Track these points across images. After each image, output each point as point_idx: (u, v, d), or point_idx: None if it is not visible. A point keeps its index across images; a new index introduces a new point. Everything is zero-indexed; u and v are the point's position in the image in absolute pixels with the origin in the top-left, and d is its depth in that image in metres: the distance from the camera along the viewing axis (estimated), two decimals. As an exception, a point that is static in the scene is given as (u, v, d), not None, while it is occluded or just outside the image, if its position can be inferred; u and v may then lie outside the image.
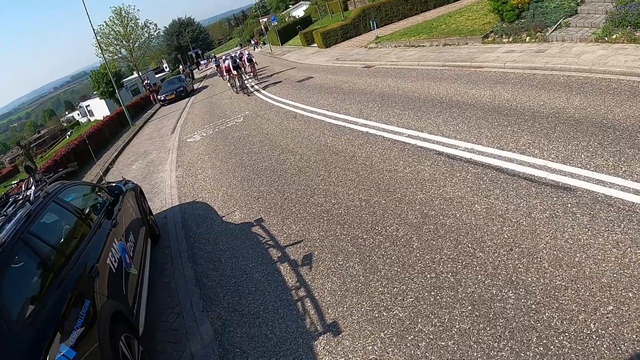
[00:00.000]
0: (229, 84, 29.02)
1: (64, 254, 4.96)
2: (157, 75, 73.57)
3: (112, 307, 4.86)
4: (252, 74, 31.11)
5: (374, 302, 5.36)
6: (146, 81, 56.89)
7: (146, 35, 62.60)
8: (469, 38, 18.83)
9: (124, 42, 58.96)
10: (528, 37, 16.18)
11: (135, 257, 6.64)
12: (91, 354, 4.00)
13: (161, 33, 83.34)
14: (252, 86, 27.44)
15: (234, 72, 26.11)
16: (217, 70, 42.96)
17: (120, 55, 60.61)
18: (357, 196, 8.13)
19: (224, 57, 31.37)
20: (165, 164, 16.43)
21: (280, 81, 24.49)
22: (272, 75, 30.29)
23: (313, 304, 5.70)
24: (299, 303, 5.82)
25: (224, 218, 9.38)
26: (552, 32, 15.58)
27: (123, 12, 59.39)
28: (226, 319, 6.05)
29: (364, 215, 7.41)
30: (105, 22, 58.78)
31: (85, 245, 5.38)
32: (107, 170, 19.83)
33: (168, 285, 7.49)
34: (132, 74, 67.34)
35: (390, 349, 4.63)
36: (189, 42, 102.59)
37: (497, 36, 17.61)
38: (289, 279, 6.42)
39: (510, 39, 16.83)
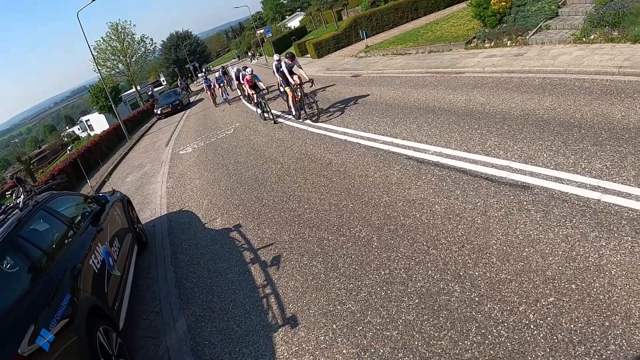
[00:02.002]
0: (257, 111, 20.14)
1: (50, 255, 5.60)
2: (156, 89, 74.29)
3: (91, 301, 5.45)
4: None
5: (331, 297, 5.83)
6: (150, 93, 57.74)
7: (142, 49, 63.38)
8: (453, 44, 19.29)
9: (121, 57, 59.75)
10: (509, 41, 16.58)
11: (119, 261, 7.23)
12: (68, 339, 4.62)
13: (158, 47, 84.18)
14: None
15: (250, 92, 18.96)
16: (206, 90, 34.64)
17: (117, 70, 61.37)
18: (328, 201, 8.61)
19: (217, 75, 31.29)
20: (158, 175, 16.94)
21: (272, 92, 24.79)
22: (265, 86, 30.65)
23: (276, 300, 6.19)
24: (264, 299, 6.32)
25: (206, 225, 9.88)
26: (532, 35, 16.01)
27: (119, 27, 60.22)
28: (199, 315, 6.57)
29: (331, 219, 7.89)
30: (102, 37, 59.75)
31: (70, 248, 6.04)
32: (104, 182, 20.35)
33: (151, 287, 8.04)
34: (131, 88, 68.04)
35: (339, 339, 5.08)
36: (187, 55, 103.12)
37: (479, 41, 18.02)
38: (257, 278, 6.93)
39: (492, 44, 17.24)
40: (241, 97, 27.87)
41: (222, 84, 31.42)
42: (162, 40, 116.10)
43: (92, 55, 40.41)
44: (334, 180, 9.48)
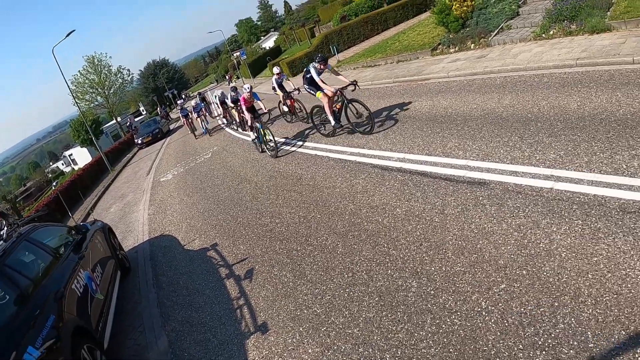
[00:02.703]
0: (252, 139, 16.32)
1: (35, 282, 6.00)
2: (136, 119, 74.41)
3: (75, 322, 5.81)
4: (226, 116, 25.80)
5: (298, 302, 6.10)
6: (128, 123, 57.82)
7: (120, 81, 63.60)
8: (419, 52, 19.59)
9: (99, 90, 59.91)
10: (473, 45, 16.89)
11: (102, 285, 7.57)
12: (54, 356, 5.01)
13: (135, 77, 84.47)
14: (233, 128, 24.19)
15: (248, 116, 14.85)
16: (183, 121, 30.98)
17: (97, 102, 61.50)
18: (298, 214, 8.86)
19: (195, 103, 29.53)
20: (140, 204, 17.12)
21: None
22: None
23: (249, 310, 6.48)
24: (238, 310, 6.61)
25: (185, 247, 10.09)
26: (494, 36, 16.37)
27: (96, 60, 60.41)
28: (179, 330, 6.86)
29: (300, 230, 8.16)
30: (79, 71, 59.91)
31: (53, 274, 6.43)
32: (88, 215, 20.50)
33: (136, 309, 8.35)
34: (112, 119, 68.13)
35: (305, 340, 5.34)
36: (165, 83, 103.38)
37: (444, 47, 18.30)
38: (232, 292, 7.21)
39: (457, 49, 17.53)
40: (227, 125, 25.51)
41: (200, 112, 28.25)
42: (140, 70, 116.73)
43: (70, 89, 40.62)
44: (304, 194, 9.73)
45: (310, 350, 5.13)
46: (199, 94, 37.70)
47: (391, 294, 5.44)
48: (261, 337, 5.76)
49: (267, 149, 14.43)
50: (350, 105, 12.00)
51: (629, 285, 4.18)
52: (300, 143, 14.02)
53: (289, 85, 17.74)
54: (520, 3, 17.95)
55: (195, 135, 28.36)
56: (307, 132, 15.00)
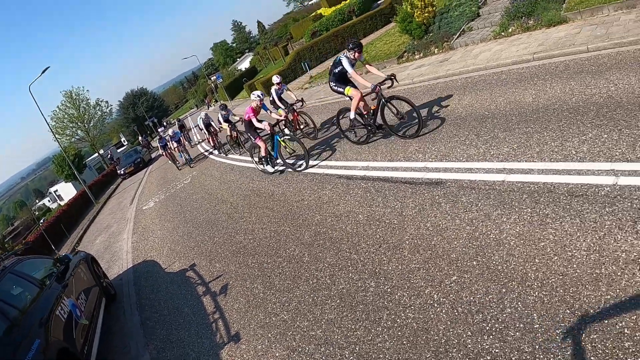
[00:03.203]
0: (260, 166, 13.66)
1: (21, 310, 6.34)
2: (118, 150, 74.29)
3: (60, 345, 6.08)
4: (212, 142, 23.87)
5: (267, 311, 6.37)
6: (109, 155, 57.76)
7: (99, 113, 63.51)
8: (386, 61, 19.83)
9: (79, 124, 59.78)
10: (436, 49, 17.13)
11: (86, 311, 7.84)
12: None
13: (115, 109, 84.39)
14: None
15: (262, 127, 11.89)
16: (162, 152, 27.48)
17: (77, 137, 61.35)
18: (270, 228, 9.11)
19: (172, 132, 26.51)
20: (124, 233, 17.26)
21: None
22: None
23: (223, 323, 6.74)
24: (214, 324, 6.89)
25: (166, 270, 10.29)
26: (456, 39, 16.63)
27: (74, 94, 60.34)
28: (160, 347, 7.12)
29: (271, 244, 8.42)
30: (58, 106, 59.77)
31: (38, 303, 6.72)
32: (74, 249, 20.62)
33: (121, 331, 8.66)
34: (95, 152, 67.93)
35: (274, 345, 5.60)
36: (145, 112, 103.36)
37: (409, 54, 18.54)
38: (208, 307, 7.48)
39: (421, 55, 17.76)
40: (214, 149, 23.48)
41: (179, 142, 25.71)
42: (119, 101, 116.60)
43: (49, 125, 40.55)
44: (275, 210, 9.98)
45: (277, 354, 5.39)
46: (178, 120, 36.38)
47: (351, 295, 5.69)
48: (234, 346, 6.02)
49: (281, 165, 12.48)
50: (388, 104, 9.88)
51: (575, 266, 4.38)
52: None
53: (290, 96, 14.74)
54: (480, 4, 18.30)
55: (177, 166, 25.66)
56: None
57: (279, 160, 12.41)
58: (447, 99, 11.20)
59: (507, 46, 12.98)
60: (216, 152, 23.26)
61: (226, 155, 20.31)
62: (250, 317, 6.47)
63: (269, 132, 11.75)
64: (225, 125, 16.36)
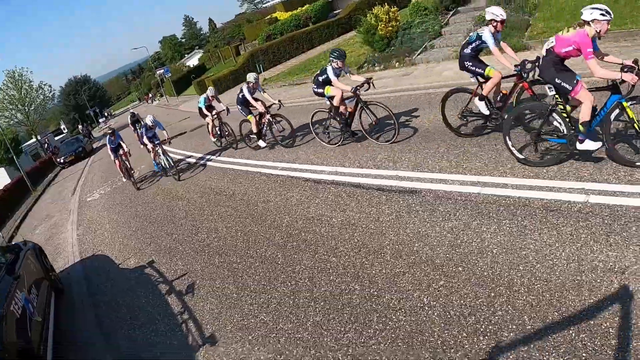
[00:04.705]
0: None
1: None
2: (56, 138, 71.54)
3: (17, 346, 5.66)
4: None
5: (244, 312, 6.21)
6: (46, 143, 55.42)
7: (41, 97, 60.79)
8: (345, 70, 20.04)
9: (19, 106, 57.07)
10: (398, 63, 17.57)
11: (38, 307, 7.25)
12: None
13: (57, 94, 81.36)
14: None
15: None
16: (114, 159, 17.51)
17: (16, 120, 58.59)
18: (234, 228, 9.00)
19: (150, 122, 16.26)
20: (67, 224, 16.55)
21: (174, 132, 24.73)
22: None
23: (195, 324, 6.45)
24: (183, 325, 6.56)
25: (120, 265, 9.90)
26: (417, 55, 17.10)
27: (16, 74, 57.63)
28: (123, 348, 6.72)
29: (238, 244, 8.30)
30: (-2, 86, 56.87)
31: None
32: (12, 238, 19.69)
33: (75, 331, 8.06)
34: (31, 138, 64.97)
35: (256, 348, 5.44)
36: (87, 101, 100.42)
37: (370, 66, 18.92)
38: (175, 307, 7.14)
39: (382, 67, 18.17)
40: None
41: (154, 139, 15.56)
42: (60, 87, 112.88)
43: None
44: (239, 209, 9.87)
45: (262, 357, 5.25)
46: (132, 114, 25.50)
47: (336, 298, 5.68)
48: (210, 348, 5.79)
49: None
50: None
51: (557, 273, 4.69)
52: (224, 159, 14.17)
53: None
54: (443, 24, 18.78)
55: (135, 184, 16.59)
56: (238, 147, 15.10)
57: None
58: (414, 111, 11.44)
59: (469, 67, 13.34)
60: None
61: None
62: (226, 318, 6.27)
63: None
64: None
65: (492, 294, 4.75)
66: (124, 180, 17.93)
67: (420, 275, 5.46)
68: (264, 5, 79.65)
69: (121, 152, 17.13)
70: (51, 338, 7.03)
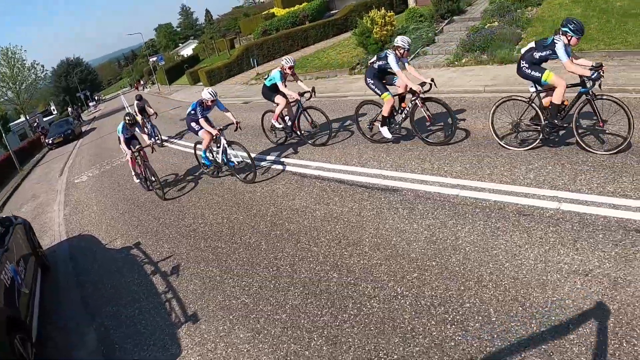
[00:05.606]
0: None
1: None
2: (45, 119, 70.94)
3: (7, 312, 5.83)
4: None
5: (226, 294, 6.50)
6: (35, 123, 54.99)
7: (33, 76, 60.16)
8: (338, 70, 20.39)
9: (10, 84, 56.46)
10: (389, 67, 17.82)
11: (26, 280, 7.47)
12: None
13: (49, 74, 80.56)
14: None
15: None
16: (128, 155, 12.88)
17: (6, 98, 58.01)
18: (220, 215, 9.32)
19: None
20: (54, 204, 16.65)
21: (165, 120, 24.75)
22: (155, 116, 30.57)
23: (178, 303, 6.72)
24: (167, 303, 6.83)
25: (107, 246, 10.09)
26: (410, 60, 17.35)
27: (10, 52, 57.03)
28: (108, 325, 6.89)
29: (224, 230, 8.61)
30: (-10, 62, 56.17)
31: None
32: (-1, 211, 19.76)
33: (59, 307, 8.23)
34: (19, 117, 64.29)
35: (236, 327, 5.73)
36: (78, 84, 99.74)
37: (362, 67, 19.21)
38: (160, 287, 7.40)
39: (375, 70, 18.42)
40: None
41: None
42: (52, 67, 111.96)
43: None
44: (226, 197, 10.21)
45: (242, 335, 5.54)
46: (139, 98, 19.68)
47: (314, 284, 6.01)
48: (192, 326, 6.06)
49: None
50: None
51: (524, 272, 5.06)
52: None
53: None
54: (437, 31, 19.13)
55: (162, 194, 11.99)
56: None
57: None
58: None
59: (459, 75, 13.75)
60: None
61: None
62: (208, 298, 6.54)
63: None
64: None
65: (462, 288, 5.10)
66: (136, 181, 13.71)
67: (396, 267, 5.81)
68: (261, 0, 79.86)
69: (138, 147, 12.47)
70: (37, 311, 7.20)
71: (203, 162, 11.82)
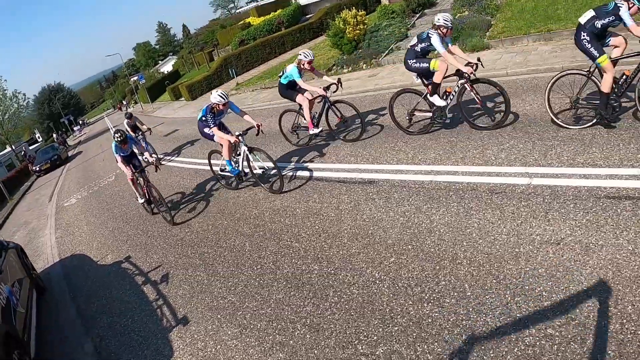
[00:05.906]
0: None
1: None
2: (31, 147, 70.71)
3: (4, 328, 6.04)
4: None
5: (214, 295, 6.71)
6: (23, 151, 54.77)
7: (15, 106, 59.72)
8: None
9: (-7, 115, 55.95)
10: (365, 65, 18.09)
11: (21, 300, 7.68)
12: None
13: (31, 102, 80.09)
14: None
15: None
16: (130, 174, 11.13)
17: (-11, 129, 57.50)
18: (206, 222, 9.55)
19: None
20: (46, 229, 16.75)
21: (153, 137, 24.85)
22: (150, 132, 30.68)
23: (168, 308, 6.93)
24: (158, 310, 7.04)
25: (99, 262, 10.25)
26: (384, 56, 17.62)
27: None
28: (103, 335, 7.09)
29: (209, 236, 8.83)
30: (-28, 94, 55.82)
31: None
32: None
33: (56, 325, 8.39)
34: (5, 148, 63.82)
35: (224, 325, 5.94)
36: (61, 109, 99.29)
37: (338, 68, 19.41)
38: (150, 295, 7.61)
39: (350, 69, 18.70)
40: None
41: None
42: (34, 95, 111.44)
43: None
44: (210, 205, 10.44)
45: (229, 332, 5.74)
46: (129, 116, 19.06)
47: (297, 278, 6.23)
48: (183, 328, 6.26)
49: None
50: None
51: (497, 247, 5.26)
52: (190, 160, 14.44)
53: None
54: (409, 26, 19.36)
55: (171, 218, 10.66)
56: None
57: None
58: (379, 111, 12.08)
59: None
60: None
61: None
62: (197, 301, 6.74)
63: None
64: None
65: (437, 267, 5.29)
66: (140, 201, 12.02)
67: (373, 254, 6.02)
68: (237, 11, 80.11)
69: (140, 168, 11.22)
70: (34, 331, 7.38)
71: (228, 170, 10.32)
